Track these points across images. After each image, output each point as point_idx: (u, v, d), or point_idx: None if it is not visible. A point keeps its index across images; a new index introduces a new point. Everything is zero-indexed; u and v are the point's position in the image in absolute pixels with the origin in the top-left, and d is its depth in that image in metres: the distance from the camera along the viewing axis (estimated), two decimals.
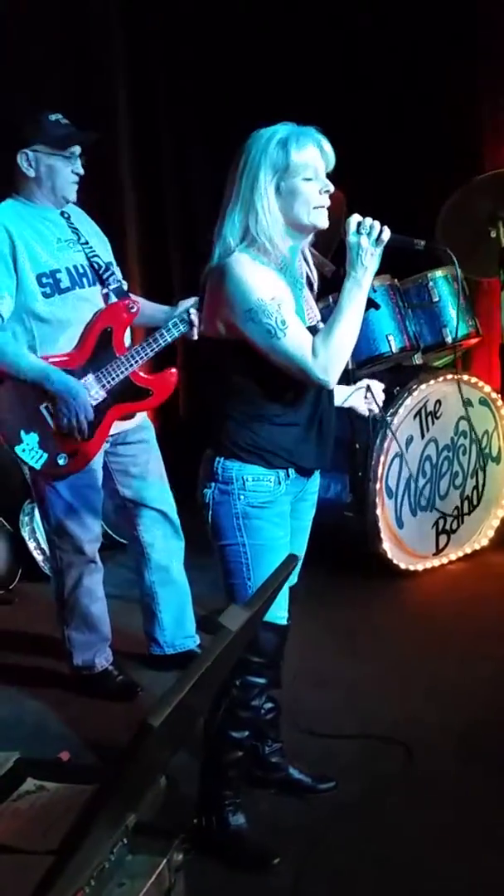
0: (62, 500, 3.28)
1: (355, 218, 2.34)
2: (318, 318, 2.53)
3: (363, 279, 2.34)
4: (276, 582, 1.70)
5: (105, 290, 3.24)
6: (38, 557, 4.38)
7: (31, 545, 4.37)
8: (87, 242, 3.23)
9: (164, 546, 3.46)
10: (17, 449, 3.21)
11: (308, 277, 2.51)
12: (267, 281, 2.30)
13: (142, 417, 3.39)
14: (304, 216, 2.33)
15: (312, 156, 2.31)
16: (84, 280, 3.20)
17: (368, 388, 2.70)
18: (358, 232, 2.33)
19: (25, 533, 4.39)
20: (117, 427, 3.30)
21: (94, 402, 3.19)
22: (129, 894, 1.57)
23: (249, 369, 2.36)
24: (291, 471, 2.45)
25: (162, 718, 1.22)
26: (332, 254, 3.45)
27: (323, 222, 2.37)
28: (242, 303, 2.29)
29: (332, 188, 2.35)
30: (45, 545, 4.35)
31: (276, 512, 2.45)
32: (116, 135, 5.34)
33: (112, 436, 3.30)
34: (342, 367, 2.35)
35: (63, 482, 3.25)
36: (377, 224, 2.34)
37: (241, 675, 2.49)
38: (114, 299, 3.25)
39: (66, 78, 4.90)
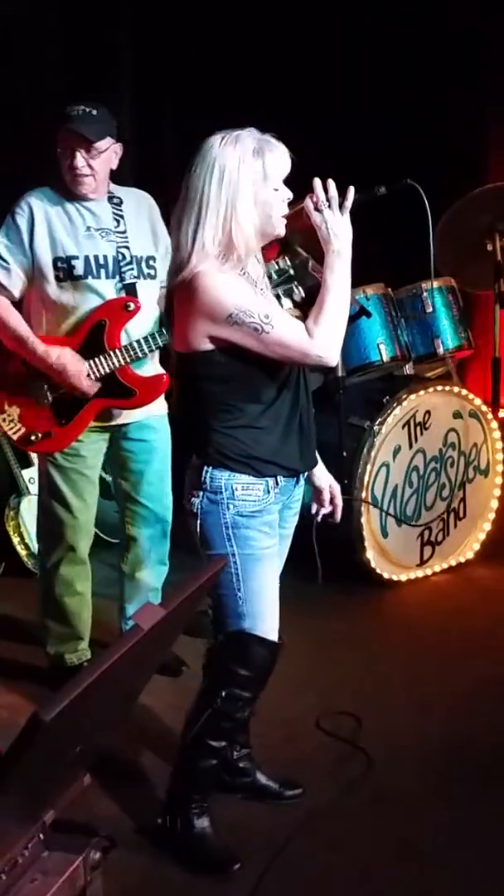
0: (51, 480, 3.34)
1: (308, 200, 2.37)
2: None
3: (342, 248, 2.37)
4: (196, 582, 1.69)
5: (120, 284, 3.23)
6: (22, 553, 4.36)
7: (16, 540, 4.36)
8: (124, 232, 3.22)
9: (148, 545, 3.47)
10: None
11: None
12: (236, 284, 2.31)
13: (145, 415, 3.34)
14: (278, 225, 2.37)
15: (283, 166, 2.34)
16: (101, 271, 3.20)
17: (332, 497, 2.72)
18: (317, 209, 2.36)
19: (10, 528, 4.37)
20: (120, 419, 3.32)
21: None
22: (40, 891, 1.56)
23: (227, 376, 2.37)
24: (280, 478, 2.44)
25: (54, 713, 1.21)
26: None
27: (283, 230, 2.40)
28: (221, 311, 2.29)
29: (291, 196, 2.38)
30: (28, 541, 4.36)
31: (265, 521, 2.45)
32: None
33: (114, 427, 3.33)
34: (340, 342, 2.37)
35: (52, 464, 3.31)
36: (332, 190, 2.37)
37: (228, 686, 2.49)
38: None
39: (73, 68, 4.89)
